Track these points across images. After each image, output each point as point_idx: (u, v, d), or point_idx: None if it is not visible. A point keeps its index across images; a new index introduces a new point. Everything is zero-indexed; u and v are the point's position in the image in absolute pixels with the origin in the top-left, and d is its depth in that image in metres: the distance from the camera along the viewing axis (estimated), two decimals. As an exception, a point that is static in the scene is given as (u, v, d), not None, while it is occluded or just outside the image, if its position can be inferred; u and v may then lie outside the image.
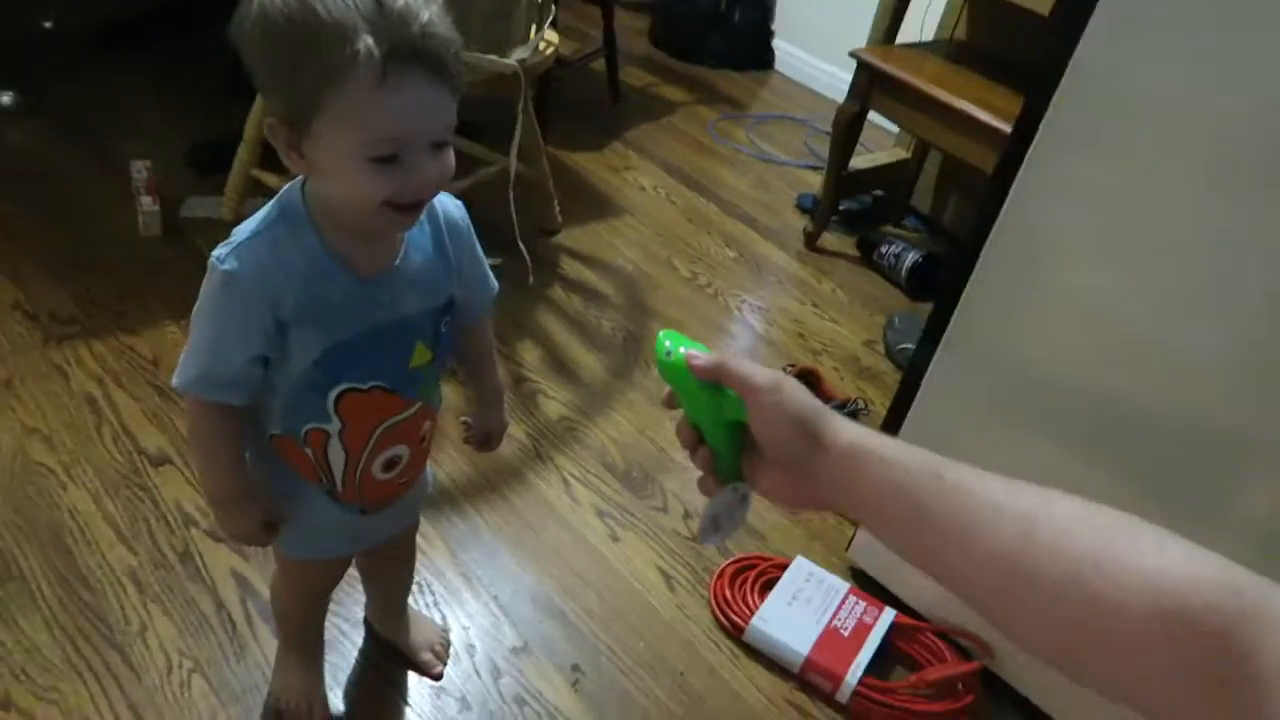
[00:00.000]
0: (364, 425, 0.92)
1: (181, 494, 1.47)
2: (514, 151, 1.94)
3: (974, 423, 1.31)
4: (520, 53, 1.89)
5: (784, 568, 1.49)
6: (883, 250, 2.34)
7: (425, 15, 0.73)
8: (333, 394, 0.88)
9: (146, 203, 1.97)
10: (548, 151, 2.20)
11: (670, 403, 0.73)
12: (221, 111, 2.35)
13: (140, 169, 2.04)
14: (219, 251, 0.82)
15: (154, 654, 1.25)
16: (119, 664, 1.24)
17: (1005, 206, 1.18)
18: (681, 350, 0.70)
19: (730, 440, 0.71)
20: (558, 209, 2.26)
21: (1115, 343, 1.13)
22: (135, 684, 1.22)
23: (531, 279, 2.05)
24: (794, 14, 3.42)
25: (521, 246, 2.02)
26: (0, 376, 1.61)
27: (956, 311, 1.27)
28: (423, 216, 0.88)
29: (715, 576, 1.49)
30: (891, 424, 1.43)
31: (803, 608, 1.43)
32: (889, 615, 1.44)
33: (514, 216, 1.98)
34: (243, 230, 0.83)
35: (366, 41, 0.70)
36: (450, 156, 0.79)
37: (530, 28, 1.93)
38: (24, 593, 1.29)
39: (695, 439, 0.72)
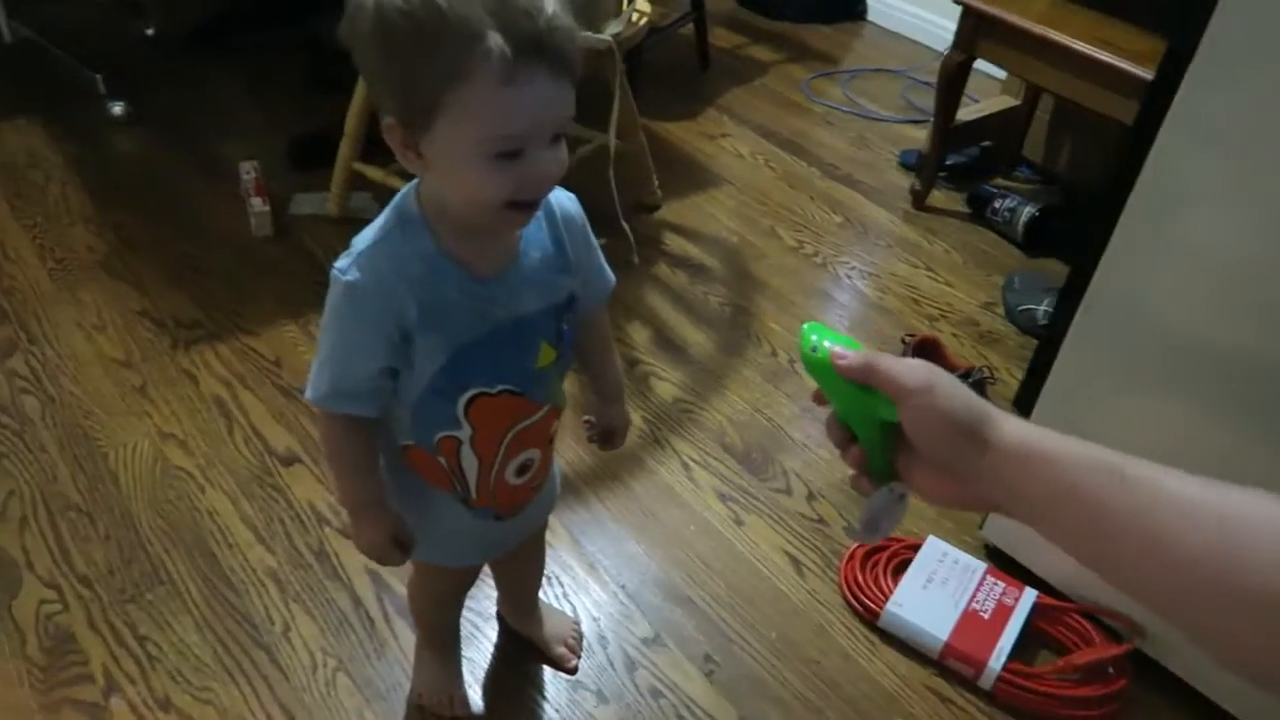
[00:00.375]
0: (495, 430, 0.91)
1: (313, 493, 1.50)
2: (612, 129, 1.91)
3: (1118, 390, 1.24)
4: (613, 27, 1.85)
5: (916, 548, 1.45)
6: (995, 205, 2.24)
7: (550, 7, 0.70)
8: (462, 400, 0.87)
9: (256, 204, 2.00)
10: (642, 123, 2.15)
11: (819, 399, 0.70)
12: (312, 106, 2.39)
13: (249, 170, 2.08)
14: (340, 263, 0.82)
15: (299, 653, 1.29)
16: (266, 664, 1.27)
17: (1150, 156, 1.10)
18: (827, 346, 0.67)
19: (883, 439, 0.67)
20: (656, 183, 2.23)
21: (1272, 300, 1.05)
22: (283, 684, 1.25)
23: (635, 258, 2.03)
24: (885, -41, 3.28)
25: (624, 225, 2.00)
26: (134, 383, 1.66)
27: (1098, 270, 1.20)
28: (540, 213, 0.86)
29: (845, 559, 1.45)
30: (1027, 394, 1.37)
31: (939, 590, 1.39)
32: (1030, 596, 1.38)
33: (615, 195, 1.96)
34: (361, 239, 0.83)
35: (495, 39, 0.67)
36: (564, 148, 0.77)
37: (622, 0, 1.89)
38: (174, 596, 1.34)
39: (846, 437, 0.69)
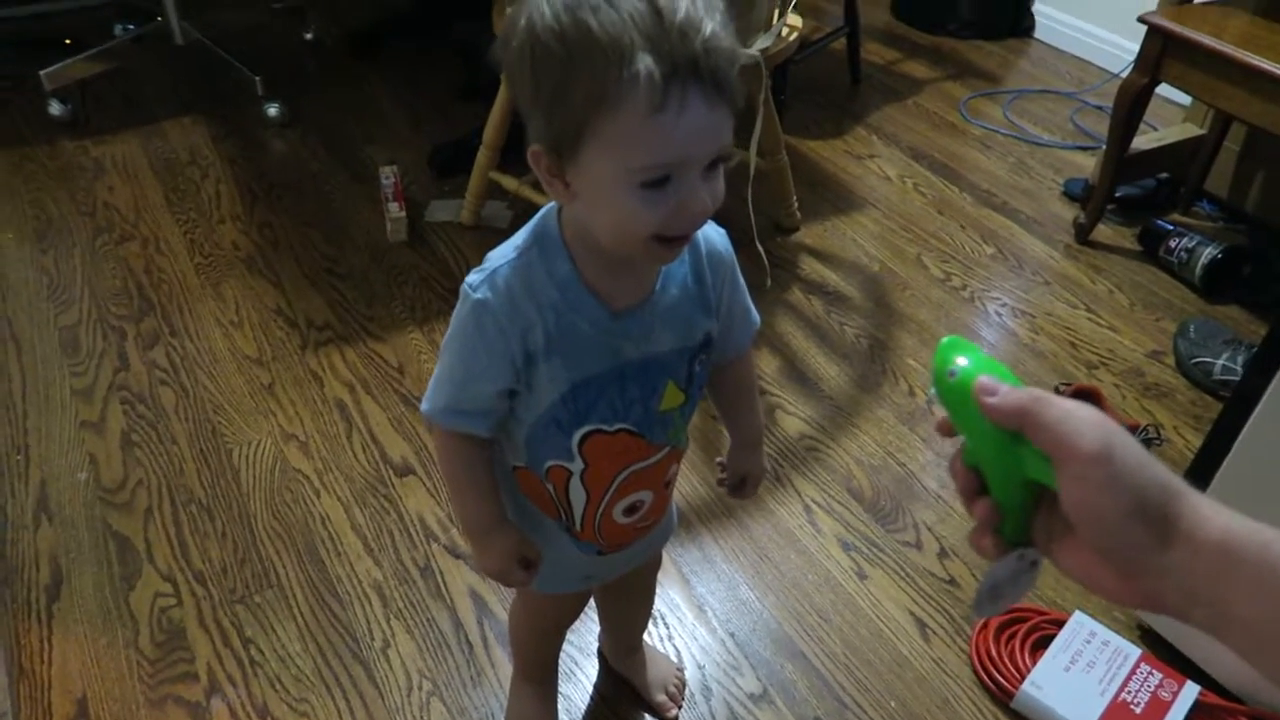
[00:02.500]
0: (607, 468, 0.85)
1: (423, 506, 1.48)
2: (754, 146, 1.83)
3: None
4: (762, 41, 1.77)
5: (1059, 623, 1.31)
6: (1172, 244, 2.04)
7: (709, 27, 0.63)
8: (578, 434, 0.82)
9: (394, 209, 2.02)
10: (785, 141, 2.07)
11: (947, 430, 0.57)
12: (458, 113, 2.41)
13: (388, 175, 2.10)
14: (472, 278, 0.77)
15: (395, 672, 1.26)
16: (364, 680, 1.25)
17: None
18: (969, 368, 0.54)
19: (1025, 497, 0.54)
20: (796, 204, 2.13)
21: None
22: (378, 702, 1.23)
23: (769, 281, 1.94)
24: (1058, -27, 3.08)
25: (759, 246, 1.91)
26: (263, 380, 1.69)
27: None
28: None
29: (978, 629, 1.32)
30: (1204, 463, 1.21)
31: (1084, 674, 1.24)
32: (1191, 691, 1.22)
33: (751, 215, 1.88)
34: (496, 256, 0.78)
35: (645, 61, 0.61)
36: (721, 178, 0.70)
37: (773, 13, 1.80)
38: (280, 601, 1.34)
39: (975, 485, 0.56)
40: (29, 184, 2.16)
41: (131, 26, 2.63)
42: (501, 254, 0.78)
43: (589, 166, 0.67)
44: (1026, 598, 1.38)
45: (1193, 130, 2.27)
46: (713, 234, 0.83)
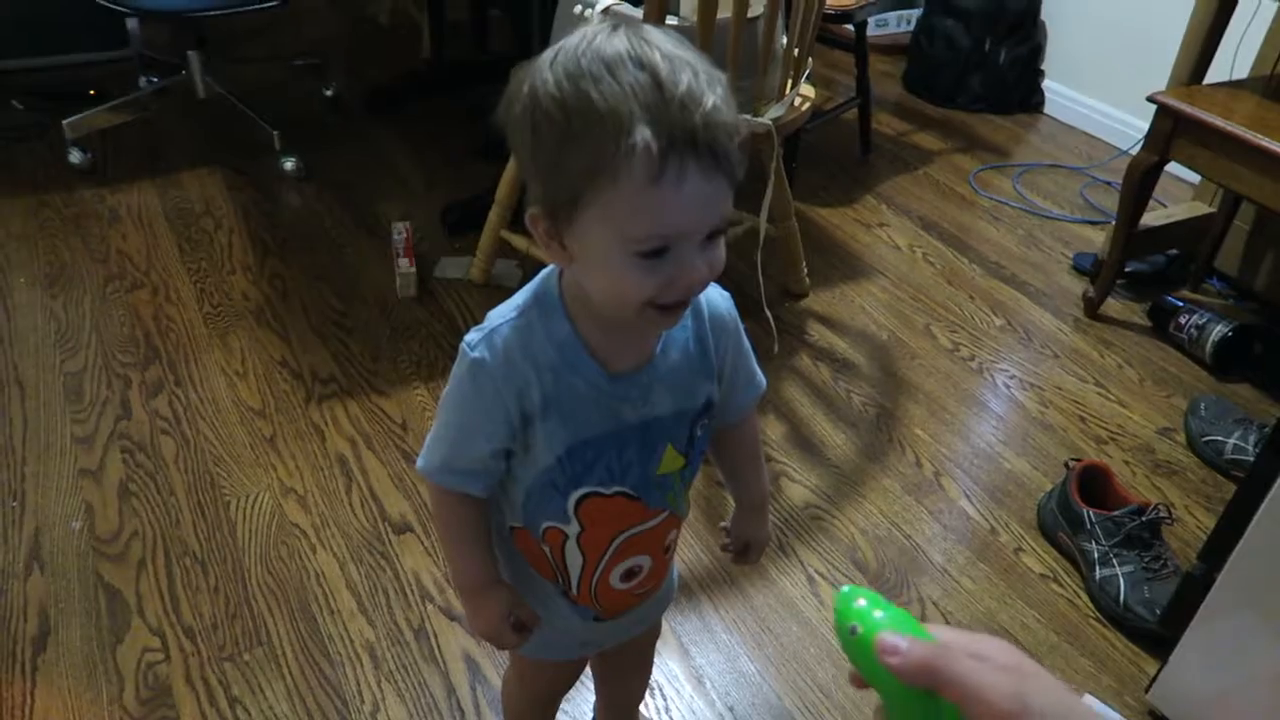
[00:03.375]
0: (604, 532, 0.84)
1: (420, 565, 1.45)
2: (764, 213, 1.84)
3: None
4: (774, 110, 1.79)
5: (1069, 707, 1.27)
6: (1182, 321, 2.03)
7: (710, 101, 0.62)
8: (574, 496, 0.80)
9: (404, 264, 2.03)
10: (795, 207, 2.08)
11: (859, 683, 0.52)
12: (473, 172, 2.43)
13: (400, 231, 2.11)
14: (470, 337, 0.77)
15: (385, 738, 1.23)
16: (351, 745, 1.22)
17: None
18: (872, 630, 0.49)
19: None
20: (805, 271, 2.13)
21: None
22: (365, 769, 1.19)
23: (776, 347, 1.93)
24: (1067, 51, 3.12)
25: (767, 312, 1.91)
26: (265, 432, 1.68)
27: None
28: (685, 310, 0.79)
29: (984, 709, 1.28)
30: (1217, 545, 1.19)
31: (1094, 761, 1.20)
32: (1207, 783, 1.18)
33: (761, 281, 1.88)
34: (496, 315, 0.78)
35: (643, 133, 0.61)
36: (722, 248, 0.69)
37: (786, 83, 1.83)
38: (270, 659, 1.31)
39: None
40: (44, 230, 2.18)
41: (155, 79, 2.68)
42: (501, 313, 0.78)
43: (585, 233, 0.67)
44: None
45: (1202, 208, 2.27)
46: (716, 297, 0.82)
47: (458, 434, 0.79)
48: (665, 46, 0.64)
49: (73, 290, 2.00)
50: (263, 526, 1.50)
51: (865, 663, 0.50)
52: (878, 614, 0.50)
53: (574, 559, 0.86)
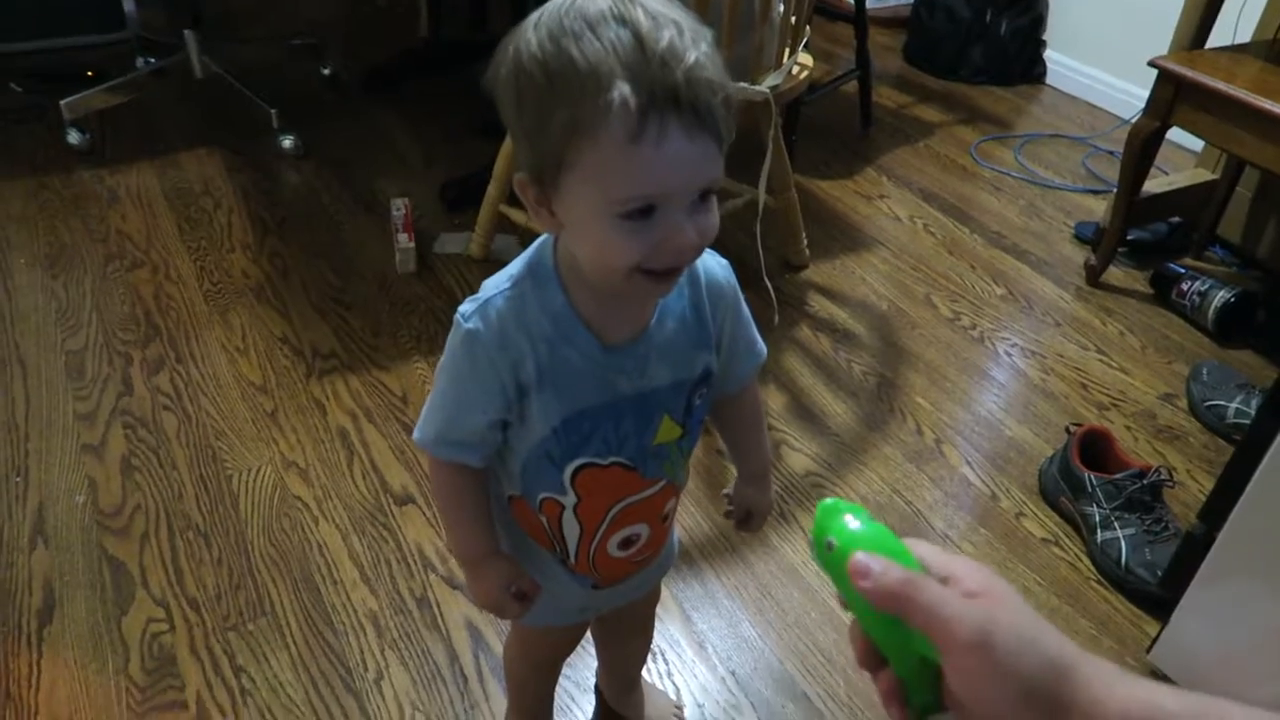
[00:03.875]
0: (600, 501, 0.84)
1: (422, 535, 1.46)
2: (763, 184, 1.83)
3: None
4: (772, 79, 1.78)
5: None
6: (1184, 287, 2.02)
7: (692, 56, 0.61)
8: (570, 467, 0.80)
9: (403, 240, 2.03)
10: (795, 180, 2.07)
11: (843, 603, 0.53)
12: (472, 149, 2.43)
13: (399, 207, 2.11)
14: (464, 308, 0.76)
15: (388, 705, 1.23)
16: (355, 712, 1.22)
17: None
18: (847, 548, 0.50)
19: (923, 670, 0.50)
20: (805, 242, 2.13)
21: None
22: (369, 735, 1.20)
23: (777, 318, 1.93)
24: (1069, 21, 3.10)
25: (767, 283, 1.91)
26: (267, 407, 1.68)
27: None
28: (681, 278, 0.77)
29: (985, 671, 1.29)
30: (1216, 506, 1.19)
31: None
32: (1208, 740, 1.18)
33: (760, 253, 1.87)
34: (490, 286, 0.77)
35: (622, 90, 0.60)
36: (713, 212, 0.68)
37: (783, 52, 1.82)
38: (274, 629, 1.32)
39: (876, 658, 0.52)
40: (44, 211, 2.18)
41: (152, 61, 2.68)
42: (496, 283, 0.77)
43: (570, 196, 0.66)
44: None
45: (1204, 175, 2.26)
46: (713, 265, 0.81)
47: (453, 405, 0.79)
48: (650, 4, 0.63)
49: (73, 270, 2.00)
50: (265, 499, 1.51)
51: (838, 579, 0.50)
52: (855, 526, 0.50)
53: (571, 529, 0.85)
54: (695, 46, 0.62)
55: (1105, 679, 0.46)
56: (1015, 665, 0.46)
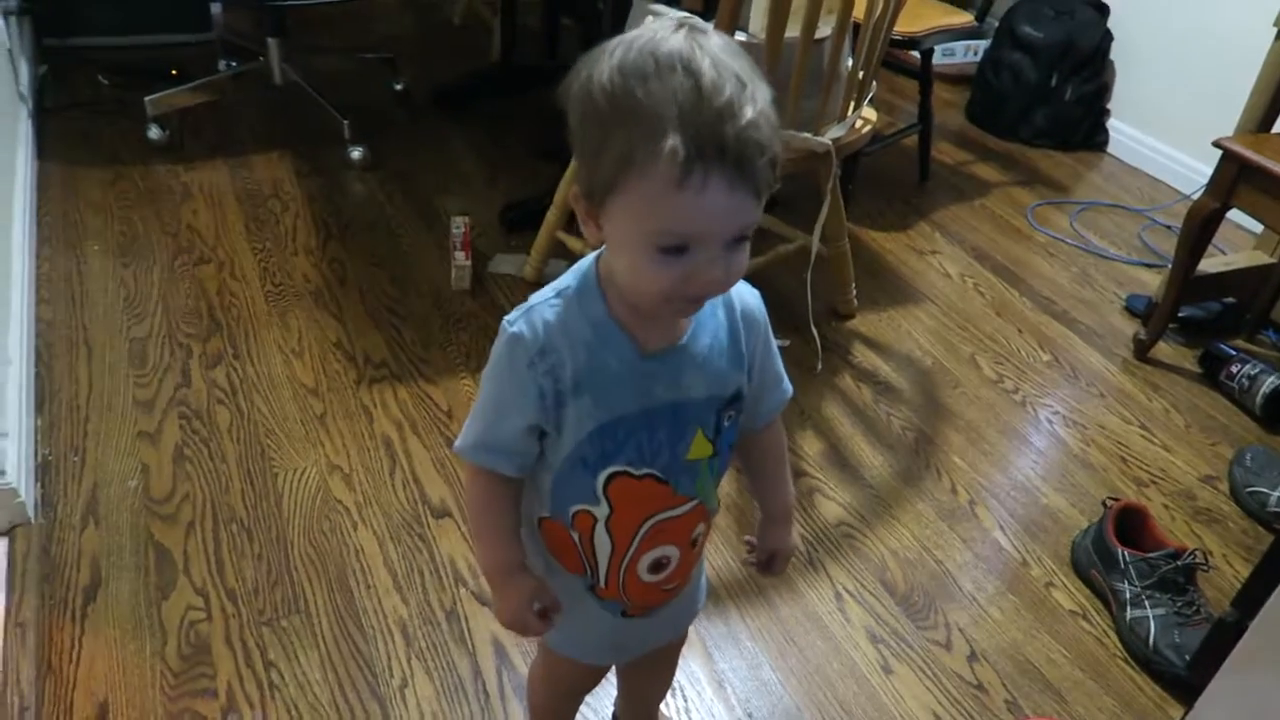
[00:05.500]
0: (633, 515, 0.86)
1: (455, 549, 1.49)
2: (817, 232, 1.86)
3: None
4: (835, 131, 1.81)
5: (1089, 744, 1.27)
6: (1233, 370, 2.01)
7: (747, 114, 0.65)
8: (603, 474, 0.83)
9: (460, 257, 2.08)
10: (848, 228, 2.09)
11: None
12: (534, 173, 2.48)
13: (459, 225, 2.16)
14: (511, 314, 0.81)
15: (410, 713, 1.26)
16: (378, 717, 1.25)
17: None
18: None
19: None
20: (854, 292, 2.15)
21: None
22: (390, 741, 1.23)
23: (820, 364, 1.94)
24: (1135, 91, 3.10)
25: (813, 329, 1.93)
26: (316, 410, 1.73)
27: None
28: (717, 302, 0.82)
29: (1003, 738, 1.29)
30: (1251, 594, 1.18)
31: (1111, 800, 1.20)
32: (1225, 832, 1.17)
33: (809, 298, 1.89)
34: (537, 296, 0.81)
35: (674, 141, 0.64)
36: (744, 255, 0.72)
37: (848, 104, 1.85)
38: (305, 627, 1.35)
39: None
40: (119, 201, 2.27)
41: (234, 64, 2.77)
42: (542, 295, 0.81)
43: (615, 219, 0.71)
44: (1053, 706, 1.34)
45: (1262, 258, 2.25)
46: (747, 294, 0.85)
47: (493, 410, 0.82)
48: (718, 54, 0.67)
49: (143, 260, 2.07)
50: (308, 500, 1.55)
51: None
52: None
53: (603, 545, 0.88)
54: (752, 103, 0.66)
55: None
56: None
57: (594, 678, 1.10)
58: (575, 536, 0.88)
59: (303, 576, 1.43)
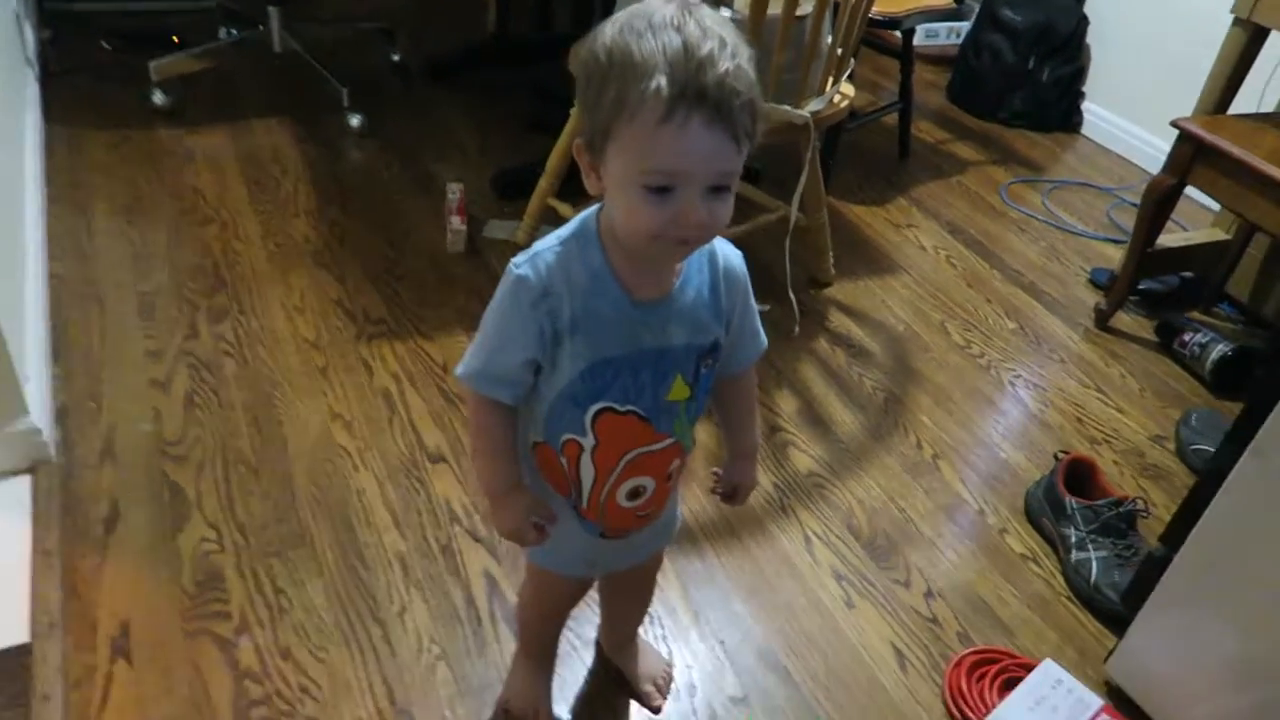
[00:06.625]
0: (615, 447, 0.96)
1: (450, 491, 1.59)
2: (795, 201, 1.96)
3: (1276, 541, 1.16)
4: (814, 104, 1.91)
5: (1029, 668, 1.38)
6: (1186, 338, 2.13)
7: (725, 65, 0.75)
8: (591, 409, 0.93)
9: (455, 222, 2.17)
10: (828, 202, 2.19)
11: None
12: (524, 144, 2.57)
13: (454, 191, 2.25)
14: (517, 258, 0.90)
15: (409, 635, 1.37)
16: (379, 638, 1.36)
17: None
18: None
19: None
20: (832, 261, 2.25)
21: None
22: (390, 659, 1.33)
23: (797, 329, 2.05)
24: (1109, 74, 3.21)
25: (791, 295, 2.03)
26: (318, 363, 1.82)
27: (1272, 415, 1.13)
28: (703, 259, 0.92)
29: (952, 665, 1.41)
30: (1177, 530, 1.29)
31: (1046, 716, 1.32)
32: (1149, 746, 1.29)
33: (787, 265, 2.00)
34: (542, 243, 0.91)
35: (659, 81, 0.74)
36: (726, 204, 0.81)
37: (827, 80, 1.94)
38: (311, 559, 1.46)
39: None
40: (124, 163, 2.34)
41: (234, 31, 2.84)
42: (545, 242, 0.91)
43: (611, 164, 0.81)
44: (1002, 639, 1.46)
45: (1219, 235, 2.36)
46: (730, 252, 0.96)
47: (495, 343, 0.92)
48: (705, 21, 0.77)
49: (149, 220, 2.15)
50: (311, 444, 1.65)
51: None
52: None
53: (587, 472, 0.98)
54: (731, 59, 0.76)
55: None
56: None
57: (575, 595, 1.21)
58: (564, 462, 0.98)
59: (307, 514, 1.53)
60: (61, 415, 1.63)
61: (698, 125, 0.76)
